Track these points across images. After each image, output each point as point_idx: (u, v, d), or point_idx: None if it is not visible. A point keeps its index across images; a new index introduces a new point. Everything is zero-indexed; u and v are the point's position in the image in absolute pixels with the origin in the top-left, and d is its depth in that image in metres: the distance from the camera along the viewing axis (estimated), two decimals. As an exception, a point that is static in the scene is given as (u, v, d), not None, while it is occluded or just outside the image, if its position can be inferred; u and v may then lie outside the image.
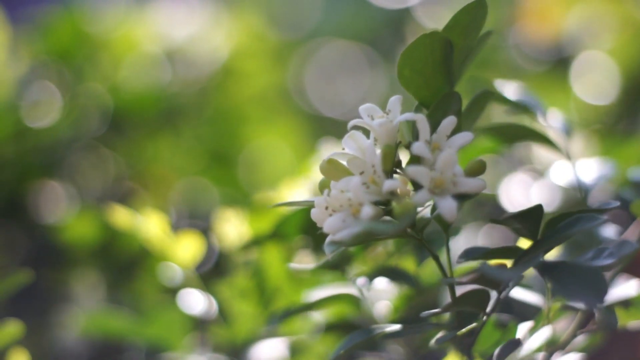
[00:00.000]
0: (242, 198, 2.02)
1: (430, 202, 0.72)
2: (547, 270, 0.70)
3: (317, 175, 1.13)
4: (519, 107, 0.93)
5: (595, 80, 2.07)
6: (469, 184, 0.70)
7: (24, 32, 2.13)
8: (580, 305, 0.82)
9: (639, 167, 0.99)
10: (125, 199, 2.00)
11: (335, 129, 2.90)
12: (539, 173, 1.24)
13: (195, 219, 1.97)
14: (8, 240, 1.90)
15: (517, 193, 1.21)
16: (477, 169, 0.72)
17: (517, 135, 0.96)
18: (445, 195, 0.69)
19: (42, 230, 1.86)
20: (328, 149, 1.19)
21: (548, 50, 2.32)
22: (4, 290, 1.13)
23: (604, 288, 0.67)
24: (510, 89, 0.96)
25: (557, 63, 2.24)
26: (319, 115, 2.89)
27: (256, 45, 2.34)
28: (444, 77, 0.76)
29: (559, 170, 1.00)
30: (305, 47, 3.06)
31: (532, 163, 1.26)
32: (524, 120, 1.04)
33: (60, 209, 1.89)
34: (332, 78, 3.11)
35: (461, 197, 0.71)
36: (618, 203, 0.72)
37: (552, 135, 0.95)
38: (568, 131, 0.97)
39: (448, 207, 0.68)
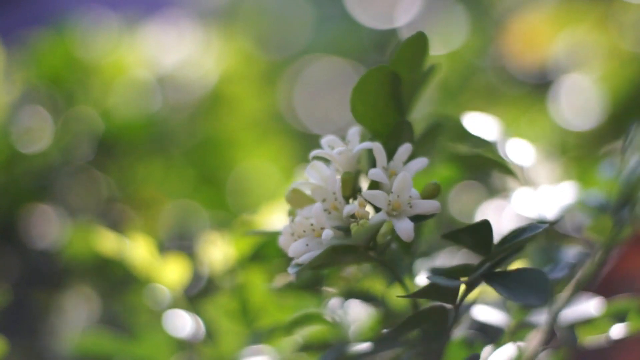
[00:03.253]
0: (230, 220, 2.05)
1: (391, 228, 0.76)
2: (494, 278, 0.74)
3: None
4: (477, 140, 0.97)
5: (578, 105, 2.11)
6: (425, 206, 0.75)
7: (15, 55, 2.16)
8: (541, 321, 0.85)
9: (593, 190, 1.03)
10: (116, 221, 2.04)
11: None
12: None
13: (185, 240, 2.00)
14: (0, 263, 1.93)
15: (493, 219, 1.24)
16: (432, 192, 0.77)
17: (477, 164, 1.00)
18: (402, 217, 0.74)
19: (35, 253, 1.89)
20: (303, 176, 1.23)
21: (532, 73, 2.37)
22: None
23: (547, 288, 0.71)
24: (472, 122, 0.99)
25: (541, 87, 2.28)
26: (308, 133, 2.93)
27: (246, 69, 2.38)
28: (395, 109, 0.79)
29: (519, 199, 1.04)
30: (294, 65, 3.11)
31: (507, 190, 1.30)
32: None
33: (52, 232, 1.92)
34: (321, 95, 3.16)
35: (418, 218, 0.75)
36: (561, 218, 0.76)
37: (511, 164, 0.99)
38: (528, 160, 1.01)
39: (405, 228, 0.73)
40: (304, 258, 0.73)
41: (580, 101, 2.12)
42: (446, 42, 2.80)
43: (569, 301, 0.87)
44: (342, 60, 3.19)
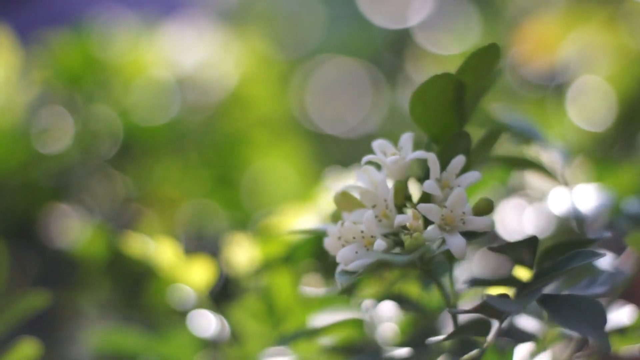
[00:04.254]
0: (246, 220, 2.06)
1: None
2: (548, 302, 0.73)
3: (323, 203, 1.18)
4: (521, 136, 0.97)
5: (591, 106, 2.11)
6: (478, 223, 0.74)
7: (33, 54, 2.17)
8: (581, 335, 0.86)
9: (632, 198, 1.03)
10: (134, 220, 2.05)
11: (338, 147, 2.96)
12: (533, 198, 1.28)
13: (203, 240, 2.02)
14: (20, 262, 1.94)
15: (511, 218, 1.25)
16: (485, 208, 0.76)
17: (518, 165, 1.00)
18: (454, 232, 0.73)
19: (53, 251, 1.91)
20: (333, 178, 1.24)
21: (545, 75, 2.37)
22: (20, 313, 1.17)
23: (603, 319, 0.70)
24: (509, 117, 0.99)
25: (554, 89, 2.29)
26: (322, 133, 2.94)
27: (262, 70, 2.39)
28: (455, 115, 0.79)
29: (556, 199, 1.04)
30: (307, 65, 3.11)
31: (525, 188, 1.30)
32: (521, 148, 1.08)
33: (70, 230, 1.93)
34: (334, 95, 3.17)
35: (469, 235, 0.74)
36: (609, 234, 0.77)
37: (550, 164, 0.99)
38: (566, 159, 1.01)
39: (457, 244, 0.72)
40: (354, 266, 0.73)
41: (590, 101, 2.13)
42: (459, 42, 2.81)
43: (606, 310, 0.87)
44: (354, 61, 3.20)
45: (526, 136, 0.97)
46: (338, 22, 3.38)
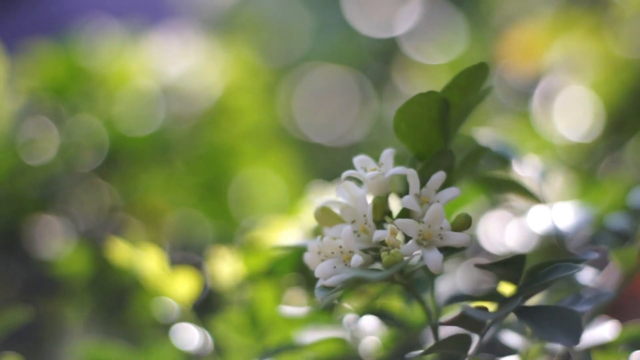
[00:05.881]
0: (233, 230, 2.06)
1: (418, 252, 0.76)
2: (526, 314, 0.74)
3: (307, 217, 1.18)
4: (497, 157, 0.98)
5: (576, 115, 2.12)
6: (455, 238, 0.74)
7: (18, 63, 2.17)
8: (557, 345, 0.86)
9: (616, 214, 1.03)
10: (119, 230, 2.05)
11: (325, 155, 2.96)
12: (517, 210, 1.29)
13: (188, 251, 2.01)
14: (3, 273, 1.93)
15: (495, 230, 1.25)
16: (463, 224, 0.76)
17: (498, 187, 1.00)
18: (431, 247, 0.74)
19: (38, 263, 1.90)
20: (317, 193, 1.24)
21: (530, 83, 2.38)
22: (3, 328, 1.16)
23: (579, 330, 0.71)
24: (487, 138, 1.00)
25: (538, 97, 2.29)
26: (309, 141, 2.94)
27: (248, 79, 2.39)
28: (440, 133, 0.79)
29: (536, 217, 1.04)
30: (294, 73, 3.12)
31: (509, 200, 1.31)
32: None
33: (55, 241, 1.92)
34: (321, 104, 3.17)
35: (447, 250, 0.75)
36: (597, 255, 0.77)
37: (528, 183, 0.99)
38: (544, 177, 1.01)
39: (434, 259, 0.72)
40: (332, 281, 0.73)
41: (576, 111, 2.13)
42: (446, 51, 2.82)
43: (585, 325, 0.88)
44: (341, 69, 3.21)
45: (504, 158, 0.97)
46: (325, 30, 3.39)
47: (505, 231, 1.23)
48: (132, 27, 2.31)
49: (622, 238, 0.97)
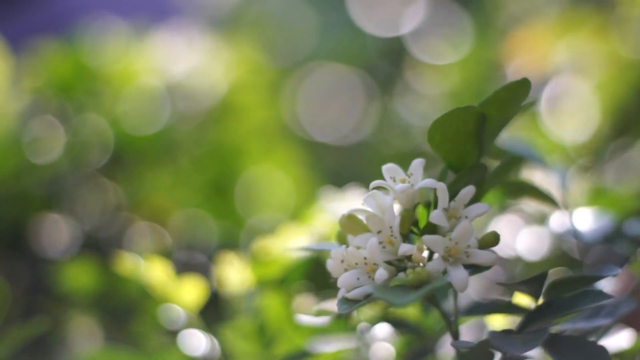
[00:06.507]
0: (239, 228, 2.06)
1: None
2: (552, 345, 0.72)
3: (318, 224, 1.17)
4: (520, 160, 0.96)
5: (582, 117, 2.11)
6: (482, 256, 0.73)
7: (24, 62, 2.17)
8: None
9: (633, 220, 1.02)
10: (124, 229, 2.05)
11: (330, 154, 2.95)
12: (529, 215, 1.28)
13: (194, 250, 2.01)
14: (10, 272, 1.93)
15: (505, 235, 1.25)
16: (490, 241, 0.74)
17: (517, 192, 0.99)
18: (457, 264, 0.72)
19: (43, 261, 1.89)
20: (328, 199, 1.23)
21: (536, 83, 2.37)
22: (21, 339, 1.16)
23: None
24: (516, 145, 0.97)
25: (545, 98, 2.29)
26: (314, 140, 2.94)
27: (253, 78, 2.39)
28: (474, 146, 0.78)
29: (556, 223, 1.03)
30: (299, 72, 3.11)
31: (519, 204, 1.30)
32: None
33: (61, 240, 1.92)
34: (326, 103, 3.16)
35: (473, 268, 0.73)
36: (619, 270, 0.75)
37: (548, 187, 0.98)
38: (565, 182, 1.00)
39: (459, 277, 0.71)
40: (354, 294, 0.72)
41: (581, 110, 2.13)
42: (451, 51, 2.81)
43: (603, 335, 0.87)
44: (346, 68, 3.20)
45: (529, 161, 0.95)
46: (330, 29, 3.38)
47: (515, 235, 1.22)
48: (138, 26, 2.31)
49: (638, 244, 0.96)
